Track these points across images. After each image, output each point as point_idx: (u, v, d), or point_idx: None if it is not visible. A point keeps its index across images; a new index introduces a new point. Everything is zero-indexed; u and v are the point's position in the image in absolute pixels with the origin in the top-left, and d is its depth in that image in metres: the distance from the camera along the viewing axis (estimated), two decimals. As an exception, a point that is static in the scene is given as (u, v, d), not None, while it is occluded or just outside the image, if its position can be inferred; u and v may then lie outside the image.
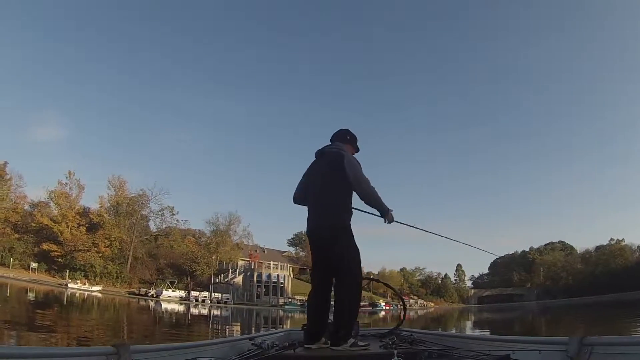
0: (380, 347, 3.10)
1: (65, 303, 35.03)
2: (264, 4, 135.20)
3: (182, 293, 59.21)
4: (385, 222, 3.74)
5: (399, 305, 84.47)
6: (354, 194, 3.62)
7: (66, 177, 65.43)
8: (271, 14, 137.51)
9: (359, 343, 3.23)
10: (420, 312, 75.75)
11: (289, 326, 34.00)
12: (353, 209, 3.66)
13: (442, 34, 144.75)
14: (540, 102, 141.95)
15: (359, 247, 3.59)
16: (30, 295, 36.61)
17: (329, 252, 3.50)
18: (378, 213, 3.72)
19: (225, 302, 58.11)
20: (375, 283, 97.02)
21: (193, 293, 59.39)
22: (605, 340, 2.08)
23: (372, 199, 3.61)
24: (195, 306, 51.12)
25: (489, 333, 21.02)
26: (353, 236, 3.59)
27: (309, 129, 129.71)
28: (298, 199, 3.89)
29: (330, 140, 3.95)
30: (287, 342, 3.54)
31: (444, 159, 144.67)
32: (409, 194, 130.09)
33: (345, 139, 3.92)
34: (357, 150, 3.99)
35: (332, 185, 3.58)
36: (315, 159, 3.90)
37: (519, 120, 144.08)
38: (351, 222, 3.60)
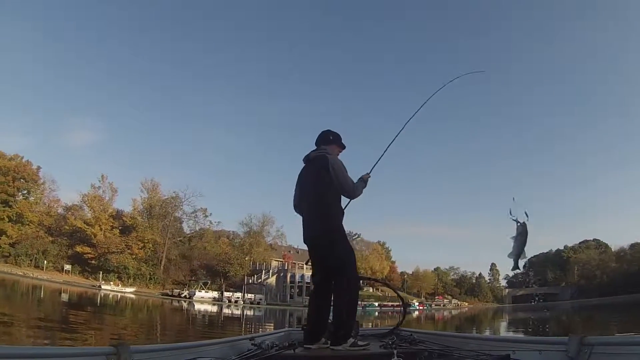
0: (380, 347, 3.07)
1: (98, 304, 34.94)
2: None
3: (215, 294, 59.08)
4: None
5: (432, 305, 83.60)
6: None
7: (99, 181, 66.38)
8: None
9: (359, 343, 3.21)
10: (454, 312, 74.42)
11: None
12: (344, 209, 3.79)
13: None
14: (579, 104, 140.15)
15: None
16: (64, 297, 36.70)
17: (326, 256, 3.59)
18: None
19: (258, 303, 57.86)
20: (411, 282, 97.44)
21: (226, 294, 59.33)
22: (605, 340, 2.10)
23: (356, 196, 3.80)
24: (228, 307, 50.99)
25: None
26: (346, 237, 3.74)
27: (342, 127, 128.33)
28: (297, 207, 3.97)
29: (315, 143, 4.01)
30: (287, 342, 3.52)
31: (482, 158, 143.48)
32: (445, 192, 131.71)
33: (328, 139, 3.98)
34: (343, 147, 4.04)
35: (322, 191, 3.66)
36: (304, 165, 3.98)
37: (555, 122, 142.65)
38: (343, 223, 3.72)
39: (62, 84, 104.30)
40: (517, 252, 3.52)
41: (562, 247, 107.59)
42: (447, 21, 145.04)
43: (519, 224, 3.39)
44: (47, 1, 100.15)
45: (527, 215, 3.38)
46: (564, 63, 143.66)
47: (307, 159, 3.93)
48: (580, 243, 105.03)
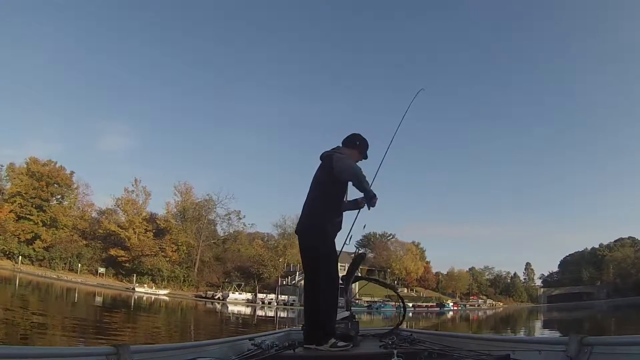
0: (380, 347, 3.06)
1: (132, 306, 34.91)
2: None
3: (249, 295, 59.03)
4: (368, 208, 3.78)
5: (467, 305, 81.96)
6: (350, 190, 3.79)
7: (132, 185, 66.94)
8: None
9: (339, 344, 3.19)
10: (489, 312, 72.96)
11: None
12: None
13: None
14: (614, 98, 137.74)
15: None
16: (98, 299, 36.92)
17: (307, 254, 3.66)
18: (362, 207, 3.99)
19: (292, 304, 57.37)
20: (445, 282, 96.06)
21: (260, 295, 59.26)
22: (605, 340, 2.09)
23: (357, 181, 3.62)
24: (262, 308, 50.95)
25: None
26: (329, 238, 3.65)
27: (374, 126, 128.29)
28: None
29: (342, 143, 4.00)
30: (287, 342, 3.40)
31: (517, 157, 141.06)
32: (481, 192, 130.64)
33: (354, 144, 3.97)
34: (364, 157, 3.99)
35: (318, 188, 3.76)
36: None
37: (591, 118, 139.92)
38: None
39: (94, 89, 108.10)
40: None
41: (597, 246, 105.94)
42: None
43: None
44: (78, 7, 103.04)
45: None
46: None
47: (320, 157, 3.90)
48: (615, 241, 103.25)
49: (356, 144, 3.93)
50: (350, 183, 3.75)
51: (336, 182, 3.72)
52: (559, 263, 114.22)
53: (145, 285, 58.58)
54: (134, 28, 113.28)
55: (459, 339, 3.49)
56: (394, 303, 66.60)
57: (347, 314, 4.41)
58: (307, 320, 3.53)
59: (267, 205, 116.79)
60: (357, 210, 4.29)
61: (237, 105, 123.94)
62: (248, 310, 41.79)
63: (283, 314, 40.79)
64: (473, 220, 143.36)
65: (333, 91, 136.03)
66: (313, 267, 3.63)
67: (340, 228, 3.86)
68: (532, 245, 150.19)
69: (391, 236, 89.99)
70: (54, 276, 56.88)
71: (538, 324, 44.35)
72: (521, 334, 26.32)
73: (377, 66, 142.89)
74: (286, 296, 60.08)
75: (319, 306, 3.46)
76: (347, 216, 4.11)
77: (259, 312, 40.74)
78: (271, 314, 40.08)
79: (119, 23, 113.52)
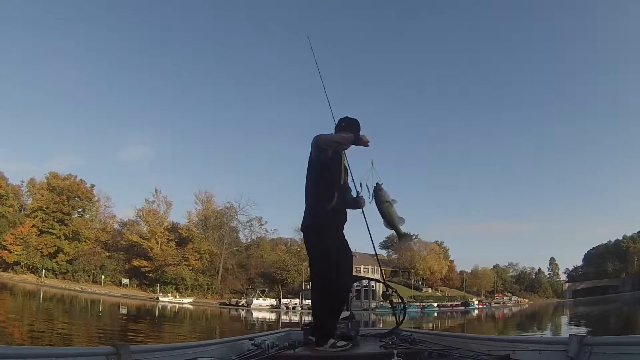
0: (380, 347, 3.03)
1: (157, 316, 34.98)
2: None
3: (273, 301, 59.00)
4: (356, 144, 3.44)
5: (492, 303, 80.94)
6: (332, 191, 3.45)
7: (153, 195, 67.49)
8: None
9: (338, 344, 3.14)
10: (514, 309, 72.01)
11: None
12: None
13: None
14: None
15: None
16: (123, 310, 37.07)
17: (307, 250, 3.60)
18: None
19: None
20: (470, 280, 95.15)
21: (284, 300, 59.45)
22: (605, 340, 2.09)
23: (325, 141, 3.41)
24: (286, 313, 51.04)
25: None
26: (318, 234, 3.43)
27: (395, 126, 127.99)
28: None
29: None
30: (287, 342, 3.46)
31: (538, 153, 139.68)
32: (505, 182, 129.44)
33: (340, 127, 3.70)
34: (356, 130, 3.62)
35: (306, 186, 3.57)
36: None
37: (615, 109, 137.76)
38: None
39: (113, 101, 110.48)
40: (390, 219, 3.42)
41: (620, 238, 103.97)
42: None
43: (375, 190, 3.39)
44: (98, 19, 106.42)
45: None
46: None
47: None
48: (639, 232, 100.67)
49: (342, 126, 3.65)
50: (346, 178, 3.62)
51: (317, 169, 3.48)
52: (583, 257, 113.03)
53: (169, 294, 58.80)
54: (152, 39, 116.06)
55: (459, 339, 3.46)
56: (418, 303, 66.35)
57: (347, 313, 4.20)
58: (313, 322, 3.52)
59: (289, 210, 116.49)
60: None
61: (258, 110, 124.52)
62: (272, 316, 41.84)
63: (308, 318, 40.39)
64: (496, 218, 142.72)
65: (360, 93, 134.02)
66: (310, 266, 3.57)
67: (336, 219, 3.48)
68: (555, 240, 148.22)
69: (414, 236, 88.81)
70: (78, 289, 57.26)
71: (564, 320, 43.79)
72: (547, 332, 26.08)
73: (399, 63, 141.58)
74: (310, 300, 59.84)
75: (314, 306, 3.44)
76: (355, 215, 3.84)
77: (284, 317, 40.67)
78: (296, 318, 39.53)
79: (137, 34, 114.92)
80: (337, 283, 3.39)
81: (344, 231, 3.64)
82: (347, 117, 3.71)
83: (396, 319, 4.63)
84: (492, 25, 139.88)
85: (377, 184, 3.44)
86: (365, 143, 3.43)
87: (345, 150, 3.64)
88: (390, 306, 4.77)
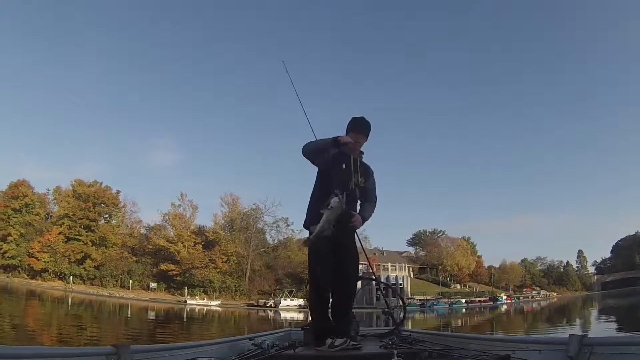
0: (381, 347, 3.04)
1: (185, 319, 35.25)
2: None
3: (301, 301, 58.48)
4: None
5: (520, 298, 79.92)
6: (326, 198, 3.34)
7: (179, 199, 67.83)
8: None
9: (335, 343, 3.11)
10: (543, 303, 71.21)
11: (409, 327, 32.48)
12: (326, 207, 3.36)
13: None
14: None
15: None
16: (151, 314, 37.43)
17: None
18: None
19: None
20: (498, 275, 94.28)
21: None
22: (605, 340, 2.13)
23: (306, 151, 3.55)
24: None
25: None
26: (309, 235, 3.45)
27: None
28: None
29: None
30: (287, 342, 3.46)
31: (565, 148, 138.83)
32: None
33: (347, 129, 3.67)
34: (360, 133, 3.59)
35: None
36: None
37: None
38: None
39: (138, 107, 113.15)
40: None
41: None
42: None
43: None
44: (117, 24, 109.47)
45: None
46: None
47: None
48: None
49: (348, 128, 3.63)
50: (336, 172, 3.54)
51: (318, 172, 3.64)
52: (611, 248, 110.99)
53: (197, 297, 59.02)
54: (174, 43, 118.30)
55: (459, 339, 3.46)
56: (446, 300, 65.76)
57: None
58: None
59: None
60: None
61: (279, 110, 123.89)
62: (300, 316, 41.57)
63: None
64: (523, 212, 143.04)
65: (379, 90, 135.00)
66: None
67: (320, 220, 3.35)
68: (583, 232, 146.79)
69: (441, 233, 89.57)
70: (106, 294, 57.76)
71: (594, 313, 43.07)
72: (576, 326, 26.34)
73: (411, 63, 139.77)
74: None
75: (309, 306, 3.51)
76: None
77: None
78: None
79: (160, 39, 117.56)
80: (339, 285, 3.44)
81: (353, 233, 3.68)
82: (353, 117, 3.68)
83: (394, 319, 4.61)
84: (528, 26, 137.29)
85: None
86: (344, 144, 3.39)
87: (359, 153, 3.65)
88: (387, 309, 4.75)
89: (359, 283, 4.09)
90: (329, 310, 3.48)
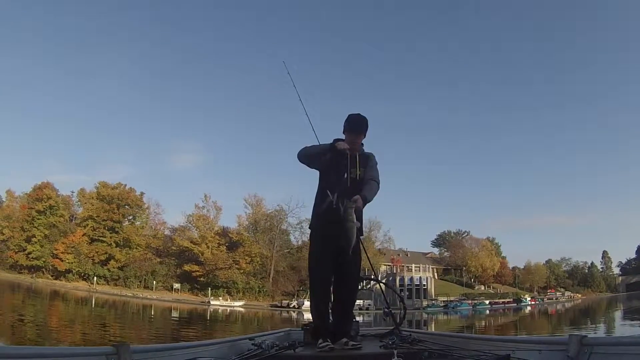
0: (381, 347, 3.07)
1: (208, 319, 35.01)
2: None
3: (327, 302, 58.02)
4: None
5: (544, 299, 78.87)
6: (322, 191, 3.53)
7: (202, 201, 68.26)
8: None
9: (320, 345, 3.20)
10: (567, 305, 70.35)
11: (433, 328, 32.16)
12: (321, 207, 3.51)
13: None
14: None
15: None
16: (175, 314, 37.50)
17: None
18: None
19: (367, 308, 56.53)
20: (522, 276, 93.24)
21: None
22: (605, 340, 2.17)
23: (300, 156, 3.62)
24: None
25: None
26: (310, 236, 3.75)
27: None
28: None
29: None
30: (287, 342, 3.39)
31: (590, 146, 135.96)
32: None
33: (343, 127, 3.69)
34: (351, 131, 3.57)
35: None
36: None
37: None
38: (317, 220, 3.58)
39: (161, 109, 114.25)
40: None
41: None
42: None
43: None
44: (135, 31, 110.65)
45: None
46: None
47: None
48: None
49: (344, 127, 3.60)
50: (327, 170, 3.58)
51: (319, 173, 3.67)
52: (636, 249, 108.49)
53: (220, 298, 59.23)
54: (196, 46, 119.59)
55: (459, 339, 3.46)
56: (470, 301, 65.12)
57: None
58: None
59: None
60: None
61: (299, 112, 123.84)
62: None
63: (359, 319, 40.00)
64: (547, 212, 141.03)
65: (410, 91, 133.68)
66: None
67: (321, 218, 3.48)
68: (608, 233, 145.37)
69: (465, 233, 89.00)
70: (130, 294, 58.28)
71: (618, 314, 42.34)
72: (601, 329, 26.28)
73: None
74: (361, 300, 59.16)
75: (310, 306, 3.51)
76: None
77: None
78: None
79: (181, 43, 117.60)
80: (340, 285, 3.47)
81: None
82: (348, 116, 3.62)
83: (394, 319, 4.58)
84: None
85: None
86: (340, 150, 3.39)
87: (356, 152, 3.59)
88: (387, 312, 4.76)
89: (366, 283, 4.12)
90: (330, 310, 3.49)
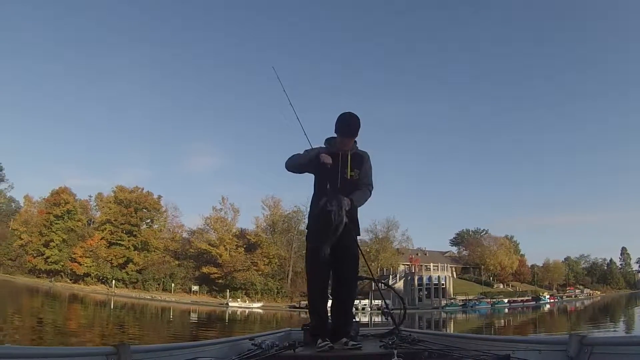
0: (381, 347, 3.05)
1: (227, 321, 35.11)
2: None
3: (347, 302, 58.00)
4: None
5: (563, 297, 78.32)
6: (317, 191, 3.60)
7: (220, 203, 68.44)
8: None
9: (319, 345, 3.20)
10: (586, 302, 69.61)
11: (451, 329, 31.95)
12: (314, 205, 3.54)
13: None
14: None
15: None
16: (193, 316, 37.58)
17: None
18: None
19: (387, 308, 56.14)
20: (541, 274, 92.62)
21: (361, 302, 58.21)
22: (605, 340, 2.13)
23: (287, 166, 3.65)
24: (356, 314, 49.27)
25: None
26: (306, 238, 3.79)
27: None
28: None
29: None
30: (287, 342, 3.39)
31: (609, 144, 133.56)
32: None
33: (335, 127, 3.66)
34: (341, 133, 3.51)
35: None
36: None
37: None
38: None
39: (177, 113, 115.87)
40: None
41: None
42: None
43: None
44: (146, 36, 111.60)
45: None
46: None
47: None
48: None
49: (335, 127, 3.54)
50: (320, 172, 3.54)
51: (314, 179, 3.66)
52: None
53: (238, 299, 59.41)
54: (214, 49, 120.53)
55: (459, 339, 3.44)
56: (489, 300, 64.64)
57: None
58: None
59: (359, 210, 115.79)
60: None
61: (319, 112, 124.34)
62: None
63: (377, 319, 40.09)
64: (566, 209, 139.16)
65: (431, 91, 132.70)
66: None
67: (317, 220, 3.39)
68: (627, 229, 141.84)
69: (484, 232, 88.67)
70: (148, 297, 58.68)
71: (638, 311, 41.85)
72: (621, 324, 26.16)
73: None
74: (379, 301, 59.12)
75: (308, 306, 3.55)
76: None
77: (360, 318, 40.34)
78: (365, 319, 38.99)
79: (196, 45, 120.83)
80: (338, 285, 3.47)
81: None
82: (339, 116, 3.51)
83: (393, 320, 4.57)
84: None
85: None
86: (323, 164, 3.37)
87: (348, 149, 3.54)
88: (387, 312, 4.76)
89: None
90: (328, 310, 3.51)
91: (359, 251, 3.68)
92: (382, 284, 6.13)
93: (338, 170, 3.46)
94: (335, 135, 3.53)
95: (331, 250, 3.30)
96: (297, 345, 3.18)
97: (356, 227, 3.56)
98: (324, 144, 3.62)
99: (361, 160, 3.54)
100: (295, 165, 3.56)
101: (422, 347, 2.95)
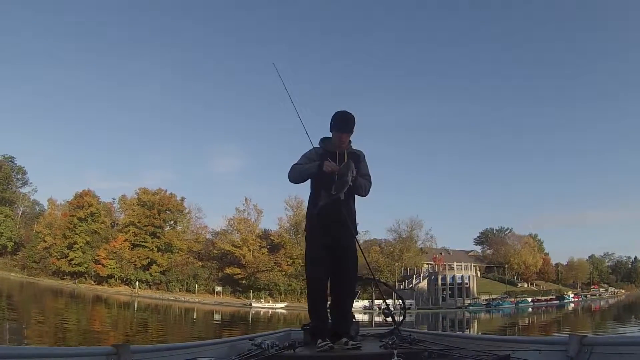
0: (380, 347, 3.05)
1: (250, 321, 35.00)
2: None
3: (366, 302, 58.35)
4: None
5: (587, 295, 77.38)
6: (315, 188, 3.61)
7: (243, 204, 68.94)
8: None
9: (319, 345, 3.20)
10: (610, 301, 68.88)
11: (475, 330, 31.66)
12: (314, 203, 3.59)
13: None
14: None
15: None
16: (217, 317, 37.79)
17: None
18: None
19: (409, 308, 55.78)
20: (565, 273, 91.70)
21: (376, 302, 58.28)
22: (605, 340, 2.15)
23: (290, 177, 3.60)
24: (379, 315, 49.38)
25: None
26: (304, 236, 3.97)
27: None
28: None
29: None
30: (287, 342, 3.41)
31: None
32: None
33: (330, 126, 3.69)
34: (337, 130, 3.54)
35: None
36: None
37: None
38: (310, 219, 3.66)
39: (197, 116, 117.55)
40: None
41: None
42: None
43: None
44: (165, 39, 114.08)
45: None
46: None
47: None
48: None
49: (330, 125, 3.58)
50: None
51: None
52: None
53: (262, 300, 59.67)
54: (235, 54, 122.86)
55: (459, 339, 3.48)
56: (512, 299, 64.14)
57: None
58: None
59: (382, 212, 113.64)
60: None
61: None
62: (365, 317, 41.28)
63: (400, 319, 40.03)
64: (590, 206, 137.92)
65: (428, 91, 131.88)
66: None
67: (321, 222, 3.47)
68: None
69: (508, 230, 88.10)
70: (172, 298, 59.19)
71: None
72: None
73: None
74: (389, 300, 59.20)
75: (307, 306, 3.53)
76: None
77: (376, 319, 40.22)
78: (389, 319, 38.95)
79: (217, 49, 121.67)
80: (337, 285, 3.46)
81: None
82: (334, 114, 3.55)
83: (393, 319, 4.61)
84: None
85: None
86: (328, 172, 3.35)
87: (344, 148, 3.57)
88: (387, 312, 4.76)
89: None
90: (328, 310, 3.49)
91: (361, 250, 3.79)
92: (382, 284, 6.13)
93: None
94: (329, 135, 3.60)
95: (331, 250, 3.38)
96: (297, 345, 3.20)
97: (354, 227, 3.58)
98: (319, 144, 3.67)
99: (357, 159, 3.56)
100: (298, 178, 3.56)
101: (422, 347, 2.96)
